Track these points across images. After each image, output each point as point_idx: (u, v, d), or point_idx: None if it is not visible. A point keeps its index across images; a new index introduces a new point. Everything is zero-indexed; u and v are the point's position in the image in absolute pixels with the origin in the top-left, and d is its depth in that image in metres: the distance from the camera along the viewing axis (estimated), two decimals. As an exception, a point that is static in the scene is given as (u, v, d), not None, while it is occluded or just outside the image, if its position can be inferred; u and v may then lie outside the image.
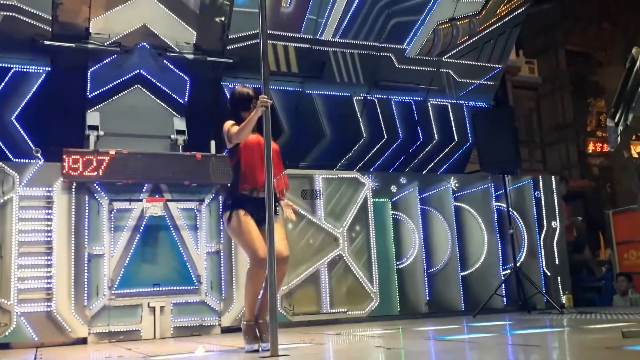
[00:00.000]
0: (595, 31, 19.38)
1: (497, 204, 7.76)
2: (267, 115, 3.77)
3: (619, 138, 3.85)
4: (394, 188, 7.30)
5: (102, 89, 6.81)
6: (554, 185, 8.19)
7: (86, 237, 5.90)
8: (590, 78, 19.73)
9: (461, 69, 8.67)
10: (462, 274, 7.38)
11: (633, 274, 8.14)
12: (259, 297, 4.06)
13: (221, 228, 6.34)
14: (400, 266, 7.13)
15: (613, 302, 8.08)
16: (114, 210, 6.04)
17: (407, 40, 8.20)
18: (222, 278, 6.28)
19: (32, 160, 6.04)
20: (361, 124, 8.14)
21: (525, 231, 7.87)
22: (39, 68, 6.66)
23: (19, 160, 6.35)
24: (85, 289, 5.81)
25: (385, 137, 8.22)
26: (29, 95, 6.64)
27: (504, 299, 7.39)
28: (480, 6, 8.40)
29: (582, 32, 19.42)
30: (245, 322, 4.07)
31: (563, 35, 19.14)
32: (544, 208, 8.02)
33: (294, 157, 7.39)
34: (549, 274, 7.86)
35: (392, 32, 8.03)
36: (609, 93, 17.61)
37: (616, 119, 3.81)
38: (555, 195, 8.14)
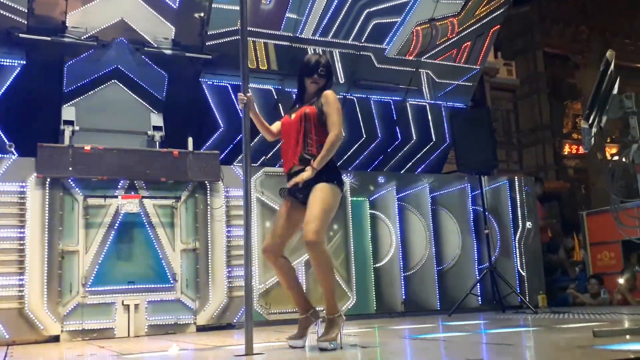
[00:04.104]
0: (572, 34, 19.64)
1: (473, 204, 7.82)
2: (246, 112, 3.75)
3: (592, 140, 3.90)
4: (372, 187, 7.32)
5: (79, 84, 6.72)
6: (529, 186, 8.28)
7: (60, 233, 5.82)
8: (568, 80, 19.97)
9: (440, 70, 8.72)
10: (437, 273, 7.43)
11: (605, 274, 8.26)
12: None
13: (197, 225, 6.30)
14: (377, 265, 7.16)
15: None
16: (89, 207, 5.97)
17: (387, 40, 8.22)
18: (198, 276, 6.23)
19: (5, 155, 5.93)
20: (340, 122, 8.13)
21: (500, 231, 7.95)
22: (13, 61, 6.54)
23: (-8, 154, 6.24)
24: (59, 286, 5.74)
25: (364, 136, 8.24)
26: (3, 89, 6.52)
27: (479, 298, 7.46)
28: (460, 7, 8.45)
29: (559, 35, 19.66)
30: (337, 316, 3.65)
31: (541, 37, 19.34)
32: (519, 209, 8.11)
33: (273, 155, 7.37)
34: (523, 274, 7.94)
35: (372, 31, 8.05)
36: (585, 96, 17.85)
37: (590, 121, 3.86)
38: (530, 196, 8.23)
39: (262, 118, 4.01)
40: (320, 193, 3.67)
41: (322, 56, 3.98)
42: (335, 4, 7.67)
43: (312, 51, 7.82)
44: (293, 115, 3.91)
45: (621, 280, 7.97)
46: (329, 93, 3.84)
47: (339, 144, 3.80)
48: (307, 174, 3.67)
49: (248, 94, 3.72)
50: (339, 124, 3.79)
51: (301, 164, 3.75)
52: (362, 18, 7.91)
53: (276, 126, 4.07)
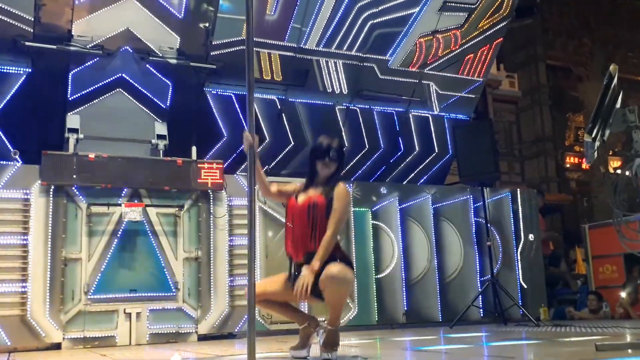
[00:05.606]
0: (575, 46, 19.71)
1: (476, 215, 7.82)
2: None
3: (595, 153, 3.91)
4: (374, 198, 7.33)
5: (83, 92, 6.75)
6: (531, 198, 8.28)
7: (63, 241, 5.83)
8: (570, 93, 20.02)
9: (443, 82, 8.75)
10: (439, 284, 7.42)
11: (607, 287, 8.23)
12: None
13: (200, 234, 6.31)
14: (379, 276, 7.15)
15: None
16: (92, 215, 5.98)
17: (390, 51, 8.26)
18: (200, 285, 6.23)
19: (10, 162, 5.96)
20: (343, 133, 8.17)
21: (502, 243, 7.94)
22: (19, 69, 6.58)
23: (-4, 161, 6.26)
24: (61, 293, 5.74)
25: (367, 146, 8.26)
26: (9, 96, 6.55)
27: (481, 310, 7.44)
28: (463, 20, 8.49)
29: (562, 47, 19.74)
30: (338, 327, 3.69)
31: (543, 50, 19.41)
32: (521, 221, 8.10)
33: (276, 165, 7.40)
34: (525, 286, 7.92)
35: (376, 42, 8.08)
36: (587, 108, 17.90)
37: (593, 135, 3.87)
38: (532, 208, 8.23)
39: (261, 170, 3.88)
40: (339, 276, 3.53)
41: (334, 140, 3.87)
42: (339, 15, 7.70)
43: (316, 62, 7.85)
44: (300, 199, 3.81)
45: (623, 294, 7.95)
46: (342, 189, 3.76)
47: (335, 242, 3.68)
48: (308, 276, 3.55)
49: (256, 138, 3.37)
50: (337, 225, 3.67)
51: (304, 259, 3.68)
52: (365, 29, 7.95)
53: (273, 187, 3.96)
